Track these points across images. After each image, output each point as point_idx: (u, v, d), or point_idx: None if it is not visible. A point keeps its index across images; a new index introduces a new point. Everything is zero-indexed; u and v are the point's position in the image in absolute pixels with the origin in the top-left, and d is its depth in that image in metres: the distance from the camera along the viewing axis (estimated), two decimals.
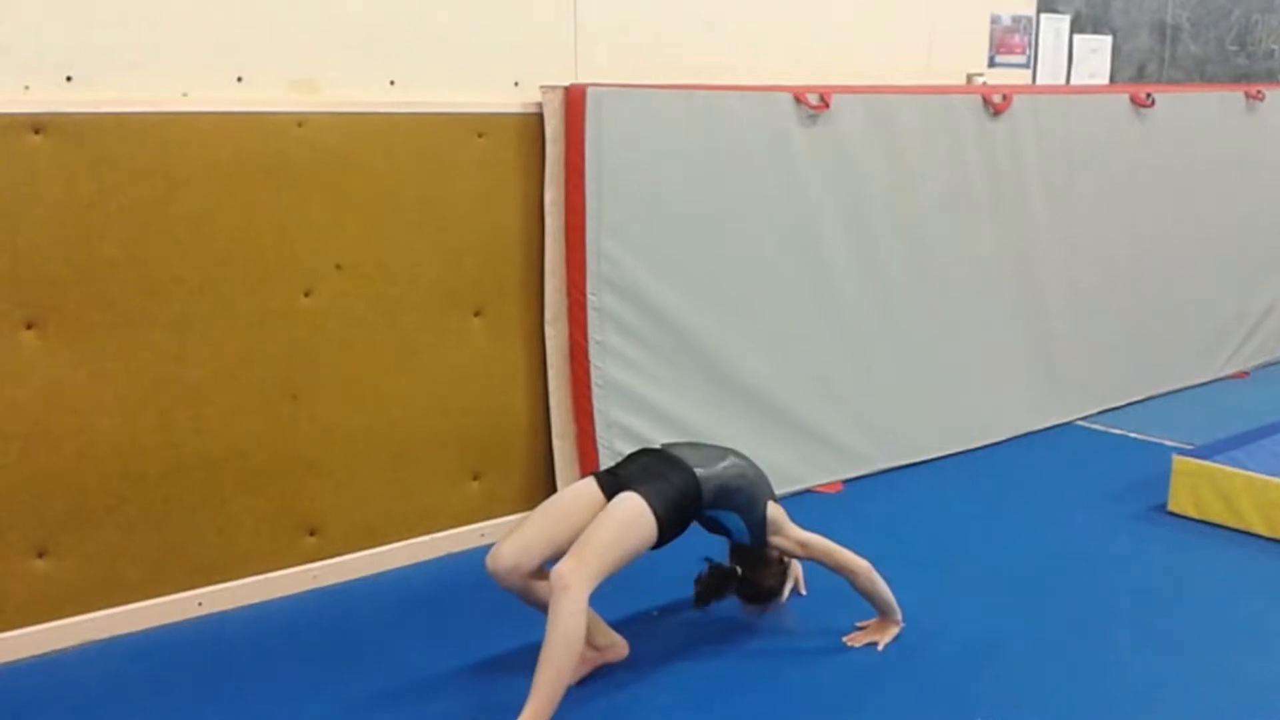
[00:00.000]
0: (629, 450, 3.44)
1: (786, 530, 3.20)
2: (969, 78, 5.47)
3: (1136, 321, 5.74)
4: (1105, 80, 6.14)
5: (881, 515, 4.23)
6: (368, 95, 3.61)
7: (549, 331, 3.99)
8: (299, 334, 3.53)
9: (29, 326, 3.11)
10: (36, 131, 3.05)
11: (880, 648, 3.21)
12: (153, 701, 2.97)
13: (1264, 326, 6.45)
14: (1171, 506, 4.24)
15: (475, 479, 3.98)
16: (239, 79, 3.39)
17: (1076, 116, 5.28)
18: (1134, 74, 6.28)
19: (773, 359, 4.40)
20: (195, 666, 3.16)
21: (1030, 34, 5.72)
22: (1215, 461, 4.17)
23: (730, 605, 3.36)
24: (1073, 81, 5.97)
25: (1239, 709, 2.93)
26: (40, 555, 3.20)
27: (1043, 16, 5.76)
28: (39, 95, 3.08)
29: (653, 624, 3.39)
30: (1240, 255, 6.21)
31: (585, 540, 2.83)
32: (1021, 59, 5.71)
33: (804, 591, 3.52)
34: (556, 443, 4.05)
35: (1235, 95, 6.05)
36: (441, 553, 3.90)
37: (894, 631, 3.25)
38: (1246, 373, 6.31)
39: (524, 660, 2.98)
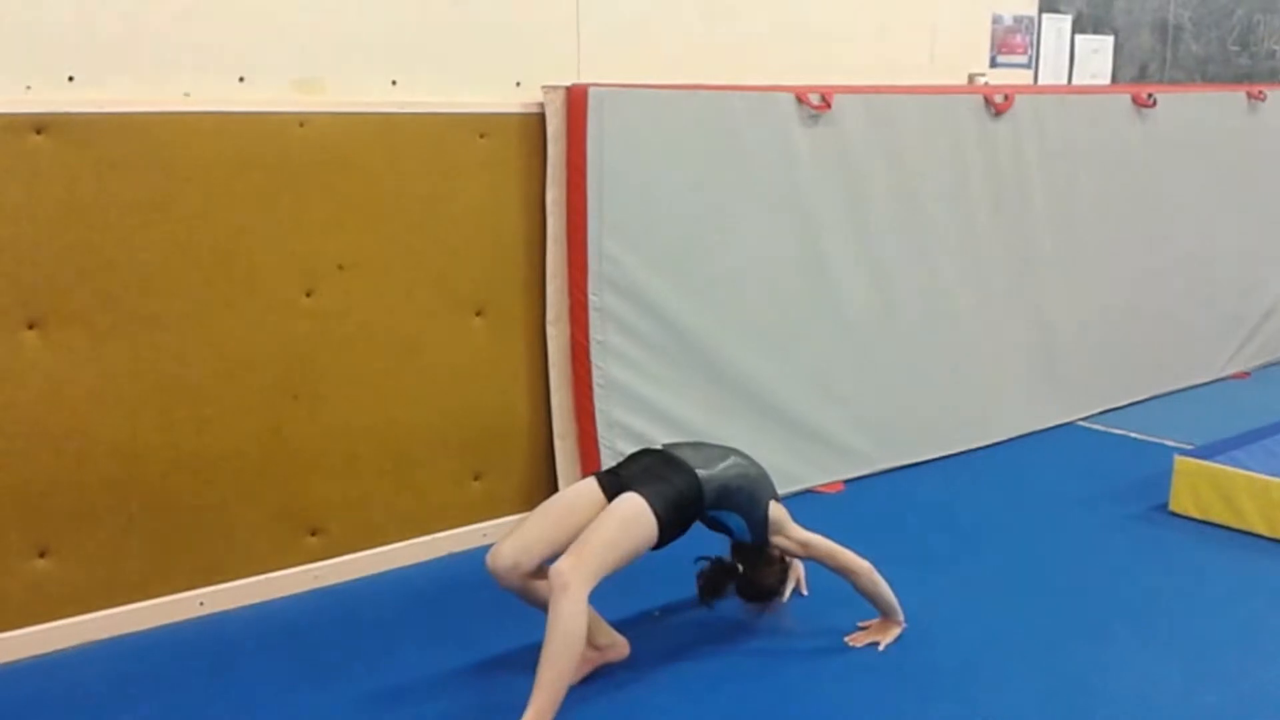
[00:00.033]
0: (630, 450, 3.44)
1: (788, 530, 3.20)
2: (971, 78, 5.47)
3: (1138, 321, 5.73)
4: (1107, 80, 6.14)
5: (882, 515, 4.23)
6: (370, 95, 3.61)
7: (550, 331, 3.99)
8: (300, 334, 3.54)
9: (30, 326, 3.11)
10: (38, 131, 3.05)
11: (881, 648, 3.21)
12: (154, 701, 2.97)
13: (1265, 327, 6.45)
14: (1173, 507, 4.24)
15: (476, 479, 3.98)
16: (240, 79, 3.39)
17: (1078, 117, 5.28)
18: (1136, 74, 6.28)
19: (774, 359, 4.40)
20: (196, 666, 3.16)
21: (1032, 34, 5.72)
22: (1216, 462, 4.17)
23: (731, 605, 3.36)
24: (1074, 81, 5.97)
25: (1240, 709, 2.93)
26: (41, 555, 3.21)
27: (1044, 16, 5.76)
28: (41, 95, 3.08)
29: (654, 624, 3.39)
30: (1241, 255, 6.21)
31: (585, 539, 2.83)
32: (1023, 59, 5.71)
33: (805, 592, 3.51)
34: (558, 443, 4.05)
35: (1237, 95, 6.05)
36: (442, 552, 3.90)
37: (896, 632, 3.25)
38: (1248, 373, 6.31)
39: (525, 660, 2.98)
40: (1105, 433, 5.29)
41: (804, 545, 3.21)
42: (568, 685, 2.72)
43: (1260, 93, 6.10)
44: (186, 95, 3.30)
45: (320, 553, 3.67)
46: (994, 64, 5.57)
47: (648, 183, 3.98)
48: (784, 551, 3.27)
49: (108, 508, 3.27)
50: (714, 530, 3.20)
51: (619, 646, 3.12)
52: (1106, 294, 5.56)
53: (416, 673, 3.11)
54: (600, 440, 3.97)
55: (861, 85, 4.63)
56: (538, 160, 3.89)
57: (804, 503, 4.19)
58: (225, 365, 3.41)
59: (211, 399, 3.40)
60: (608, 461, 3.89)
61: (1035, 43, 5.75)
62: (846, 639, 3.25)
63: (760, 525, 3.15)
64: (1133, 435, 5.22)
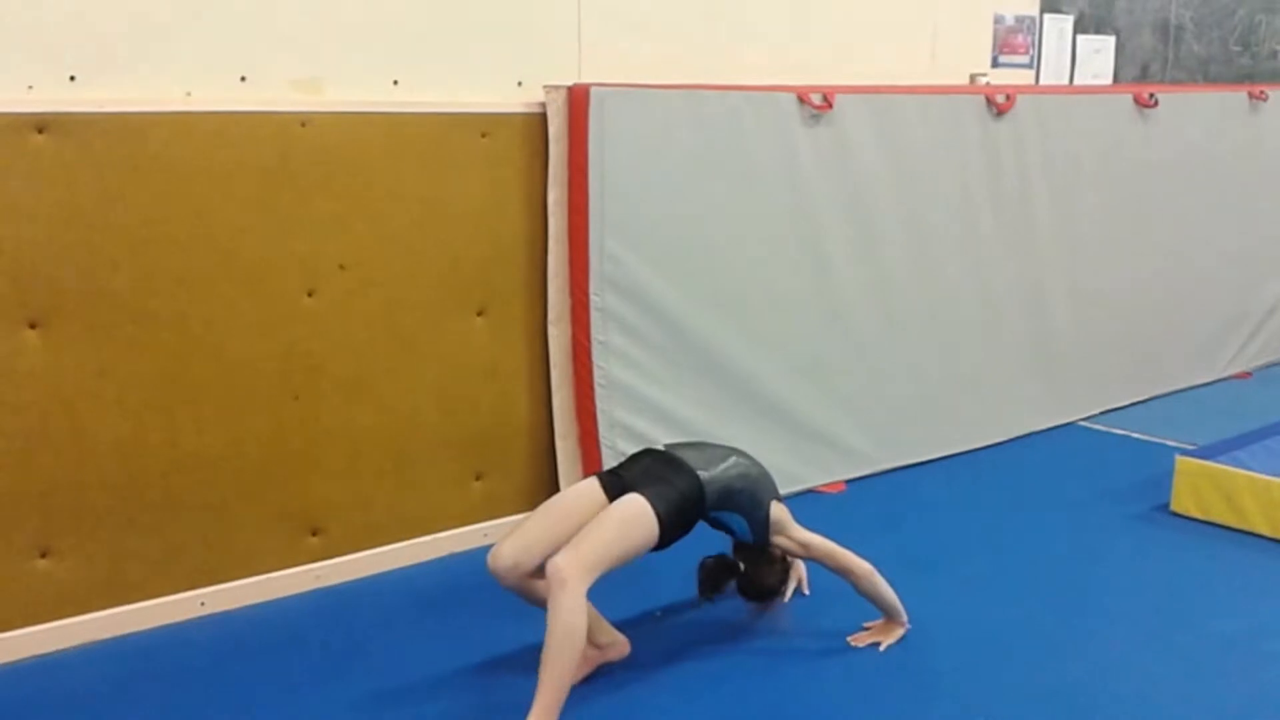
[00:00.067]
0: (631, 450, 3.44)
1: (790, 530, 3.20)
2: (972, 78, 5.46)
3: (1139, 321, 5.73)
4: (1108, 80, 6.13)
5: (884, 515, 4.23)
6: (371, 95, 3.61)
7: (552, 331, 3.99)
8: (302, 334, 3.53)
9: (32, 326, 3.11)
10: (40, 131, 3.05)
11: (882, 648, 3.21)
12: (155, 701, 2.97)
13: (1267, 327, 6.45)
14: (1174, 507, 4.24)
15: (478, 479, 3.98)
16: (242, 79, 3.39)
17: (1080, 117, 5.28)
18: (1137, 74, 6.28)
19: (775, 359, 4.40)
20: (198, 666, 3.16)
21: (1034, 34, 5.72)
22: (1218, 462, 4.17)
23: (732, 605, 3.36)
24: (1076, 82, 5.96)
25: (1242, 710, 2.93)
26: (43, 555, 3.21)
27: (1046, 17, 5.76)
28: (42, 95, 3.08)
29: (655, 623, 3.39)
30: (1243, 255, 6.21)
31: (584, 535, 2.82)
32: (1025, 59, 5.71)
33: (807, 591, 3.51)
34: (559, 443, 4.04)
35: (1238, 95, 6.05)
36: (444, 553, 3.90)
37: (899, 633, 3.25)
38: (1249, 373, 6.30)
39: (526, 660, 2.98)
40: (1107, 433, 5.29)
41: (805, 546, 3.21)
42: (571, 680, 2.72)
43: (1262, 93, 6.09)
44: (188, 95, 3.30)
45: (321, 553, 3.67)
46: (996, 64, 5.57)
47: (649, 183, 3.98)
48: (785, 552, 3.27)
49: (109, 508, 3.27)
50: (716, 529, 3.20)
51: (620, 645, 3.13)
52: (1108, 293, 5.56)
53: (417, 673, 3.11)
54: (601, 440, 3.97)
55: (863, 85, 4.63)
56: (539, 160, 3.89)
57: (805, 502, 4.19)
58: (226, 365, 3.41)
59: (212, 399, 3.40)
60: (609, 461, 3.89)
61: (1037, 43, 5.74)
62: (849, 639, 3.25)
63: (762, 526, 3.15)
64: (1134, 435, 5.22)
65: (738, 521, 3.15)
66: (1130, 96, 5.49)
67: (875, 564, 3.21)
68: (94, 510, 3.25)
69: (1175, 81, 6.44)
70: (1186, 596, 3.57)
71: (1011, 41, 5.62)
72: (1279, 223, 6.37)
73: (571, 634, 2.68)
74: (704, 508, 3.05)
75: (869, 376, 4.67)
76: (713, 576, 3.30)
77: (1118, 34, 6.12)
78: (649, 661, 3.14)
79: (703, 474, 3.05)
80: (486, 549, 3.02)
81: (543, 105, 3.86)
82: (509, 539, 2.96)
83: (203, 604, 3.45)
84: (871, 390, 4.67)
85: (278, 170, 3.42)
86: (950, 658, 3.18)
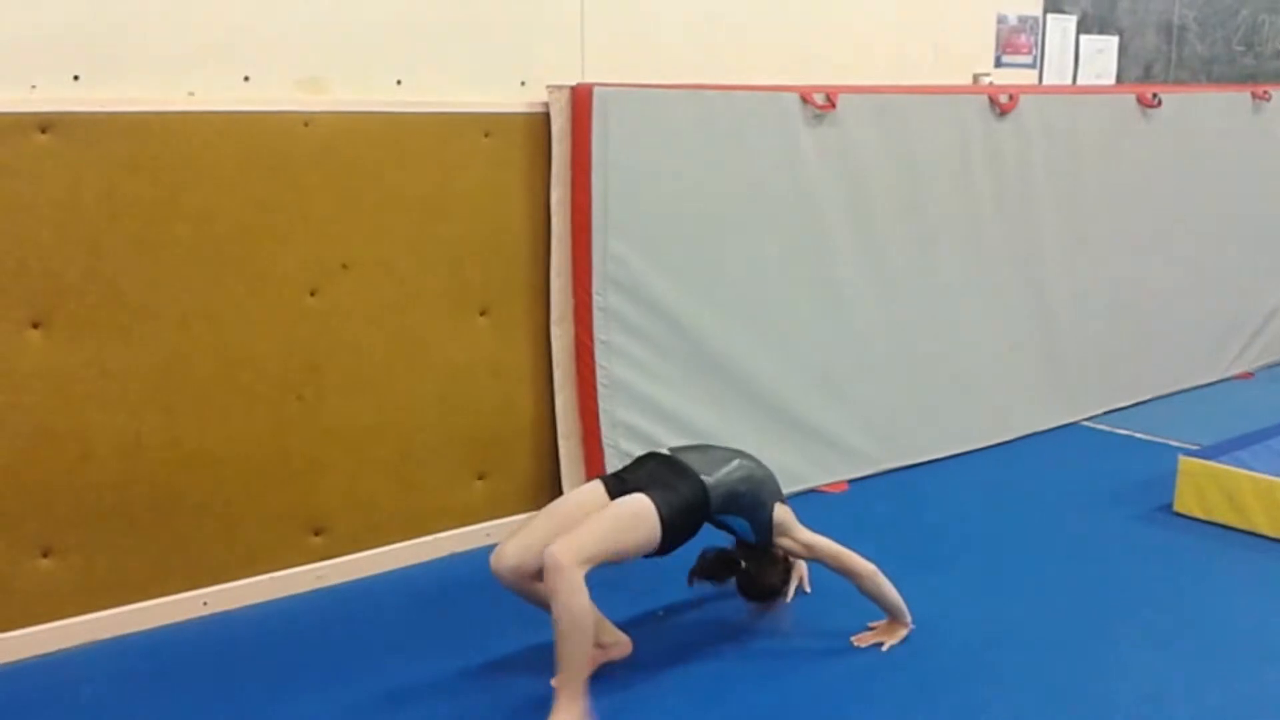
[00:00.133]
0: (634, 450, 3.44)
1: (793, 532, 3.20)
2: (975, 78, 5.46)
3: (1142, 322, 5.73)
4: (1111, 80, 6.13)
5: (886, 515, 4.23)
6: (374, 95, 3.61)
7: (555, 331, 3.99)
8: (305, 333, 3.53)
9: (35, 325, 3.11)
10: (43, 130, 3.05)
11: (885, 649, 3.21)
12: (157, 701, 2.97)
13: (1270, 327, 6.44)
14: (1177, 507, 4.24)
15: (480, 478, 3.98)
16: (246, 78, 3.39)
17: (1083, 116, 5.27)
18: (1140, 74, 6.28)
19: (778, 359, 4.39)
20: (200, 666, 3.16)
21: (1037, 34, 5.71)
22: (1221, 462, 4.17)
23: (734, 606, 3.36)
24: (1079, 81, 5.96)
25: (1244, 710, 2.92)
26: (45, 554, 3.21)
27: (1049, 16, 5.75)
28: (46, 94, 3.08)
29: (658, 624, 3.39)
30: (1246, 256, 6.20)
31: (581, 525, 2.83)
32: (1028, 59, 5.70)
33: (808, 589, 3.51)
34: (562, 443, 4.04)
35: (1242, 95, 6.05)
36: (446, 552, 3.90)
37: (902, 633, 3.25)
38: (1252, 373, 6.30)
39: (528, 660, 2.99)
40: (1110, 433, 5.28)
41: (808, 547, 3.21)
42: (589, 653, 2.77)
43: (1265, 93, 6.09)
44: (191, 94, 3.30)
45: (324, 552, 3.67)
46: (999, 64, 5.56)
47: (652, 182, 3.98)
48: (788, 553, 3.27)
49: (111, 507, 3.27)
50: (719, 530, 3.20)
51: (622, 645, 3.12)
52: (1111, 293, 5.55)
53: (420, 673, 3.10)
54: (604, 440, 3.97)
55: (866, 85, 4.63)
56: (542, 160, 3.89)
57: (808, 502, 4.18)
58: (229, 364, 3.41)
59: (215, 398, 3.40)
60: (612, 461, 3.89)
61: (1040, 43, 5.74)
62: (853, 639, 3.25)
63: (765, 528, 3.16)
64: (1137, 435, 5.22)
65: (741, 524, 3.15)
66: (1133, 97, 5.49)
67: (878, 564, 3.21)
68: (96, 510, 3.25)
69: (1178, 81, 6.43)
70: (1189, 596, 3.57)
71: (1015, 41, 5.61)
72: None
73: (576, 614, 2.69)
74: (708, 512, 3.05)
75: (872, 376, 4.67)
76: (709, 566, 3.29)
77: (1121, 34, 6.12)
78: (651, 661, 3.14)
79: (707, 479, 3.05)
80: (489, 549, 3.02)
81: (546, 105, 3.86)
82: (512, 540, 2.96)
83: (205, 604, 3.45)
84: (874, 390, 4.67)
85: (280, 170, 3.42)
86: (952, 658, 3.17)
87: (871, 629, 3.28)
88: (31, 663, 3.16)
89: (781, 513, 3.18)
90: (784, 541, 3.21)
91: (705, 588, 3.36)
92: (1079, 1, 5.87)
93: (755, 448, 3.35)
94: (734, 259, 4.23)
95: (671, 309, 4.08)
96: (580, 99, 3.81)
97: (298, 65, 3.48)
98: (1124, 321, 5.64)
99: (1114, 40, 6.09)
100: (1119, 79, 6.15)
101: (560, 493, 3.95)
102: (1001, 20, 5.55)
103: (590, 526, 2.82)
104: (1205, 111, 5.84)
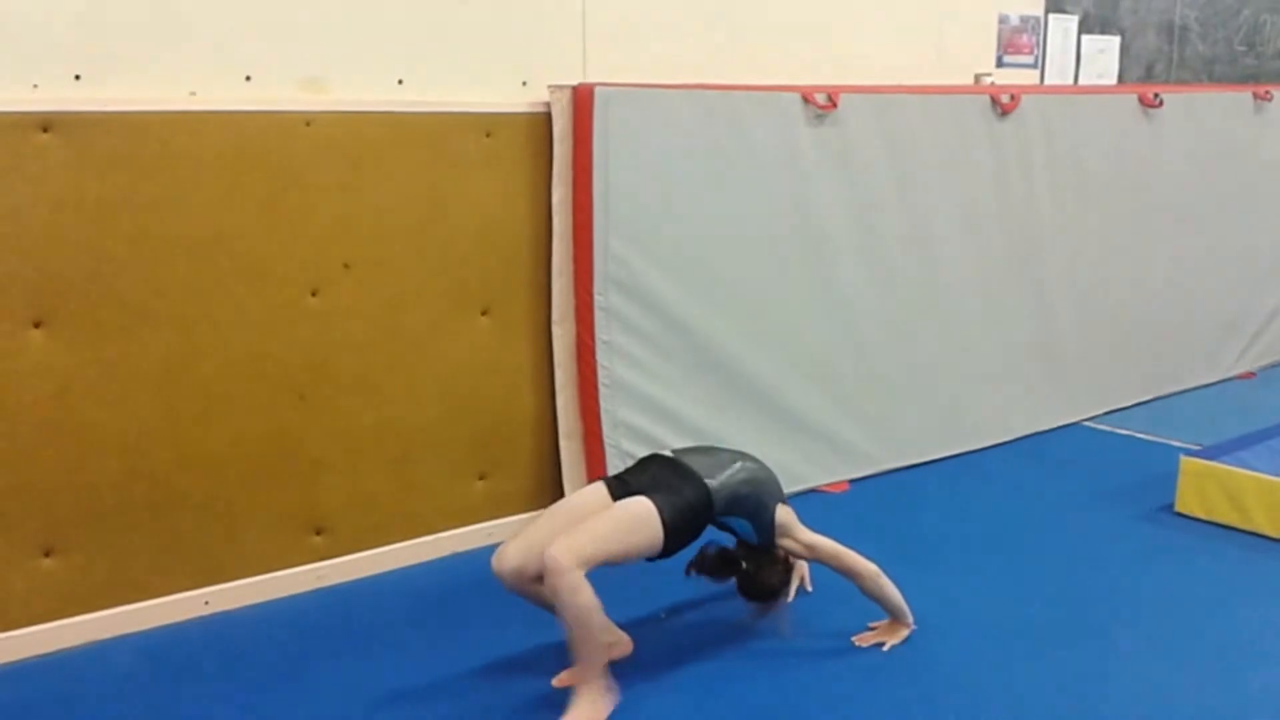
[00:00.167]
0: (636, 450, 3.44)
1: (795, 533, 3.20)
2: (977, 78, 5.46)
3: (1143, 322, 5.73)
4: (1113, 80, 6.13)
5: (887, 515, 4.23)
6: (376, 94, 3.61)
7: (556, 331, 3.99)
8: (306, 333, 3.53)
9: (37, 325, 3.11)
10: (45, 130, 3.05)
11: (886, 649, 3.20)
12: (158, 701, 2.97)
13: (1271, 327, 6.44)
14: (1178, 507, 4.24)
15: (481, 478, 3.98)
16: (247, 78, 3.39)
17: (1084, 116, 5.27)
18: (1142, 74, 6.27)
19: (779, 358, 4.39)
20: (201, 666, 3.16)
21: (1038, 34, 5.71)
22: (1222, 462, 4.17)
23: (736, 606, 3.36)
24: (1081, 81, 5.96)
25: (1245, 710, 2.92)
26: (47, 554, 3.21)
27: (1051, 16, 5.75)
28: (48, 93, 3.08)
29: (659, 624, 3.39)
30: (1247, 255, 6.20)
31: (581, 525, 2.83)
32: (1029, 59, 5.70)
33: (809, 588, 3.51)
34: (563, 442, 4.04)
35: (1243, 96, 6.04)
36: (447, 552, 3.90)
37: (903, 634, 3.25)
38: (1253, 373, 6.29)
39: (529, 660, 2.99)
40: (1111, 433, 5.28)
41: (810, 548, 3.21)
42: (600, 640, 2.80)
43: (1266, 93, 6.08)
44: (193, 94, 3.30)
45: (325, 552, 3.67)
46: (1000, 64, 5.56)
47: (653, 182, 3.98)
48: (790, 554, 3.27)
49: (113, 507, 3.27)
50: (721, 531, 3.20)
51: (623, 644, 3.12)
52: (1112, 294, 5.55)
53: (421, 673, 3.10)
54: (605, 440, 3.97)
55: (867, 85, 4.62)
56: (543, 160, 3.89)
57: (809, 502, 4.18)
58: (231, 364, 3.41)
59: (217, 398, 3.40)
60: (613, 461, 3.89)
61: (1041, 43, 5.74)
62: (854, 639, 3.25)
63: (767, 529, 3.16)
64: (1138, 436, 5.22)
65: (743, 525, 3.15)
66: (1135, 97, 5.49)
67: (879, 564, 3.21)
68: (97, 509, 3.25)
69: (1180, 81, 6.43)
70: (1190, 597, 3.57)
71: (1016, 41, 5.61)
72: None
73: (581, 610, 2.71)
74: (711, 514, 3.06)
75: (873, 376, 4.66)
76: (709, 563, 3.27)
77: (1122, 34, 6.12)
78: (652, 661, 3.14)
79: (710, 482, 3.05)
80: (490, 549, 3.02)
81: (547, 105, 3.86)
82: (513, 542, 2.96)
83: (206, 603, 3.46)
84: (875, 390, 4.67)
85: (282, 169, 3.42)
86: (953, 658, 3.17)
87: (873, 629, 3.28)
88: (32, 663, 3.16)
89: (784, 514, 3.18)
90: (786, 542, 3.21)
91: (705, 588, 3.36)
92: (1081, 1, 5.87)
93: (756, 447, 3.35)
94: (735, 258, 4.22)
95: (673, 309, 4.08)
96: (582, 99, 3.81)
97: (299, 65, 3.48)
98: (1125, 321, 5.63)
99: (1115, 40, 6.09)
100: (1120, 79, 6.15)
101: (561, 492, 3.95)
102: (1003, 20, 5.55)
103: (590, 528, 2.82)
104: (1207, 112, 5.84)
